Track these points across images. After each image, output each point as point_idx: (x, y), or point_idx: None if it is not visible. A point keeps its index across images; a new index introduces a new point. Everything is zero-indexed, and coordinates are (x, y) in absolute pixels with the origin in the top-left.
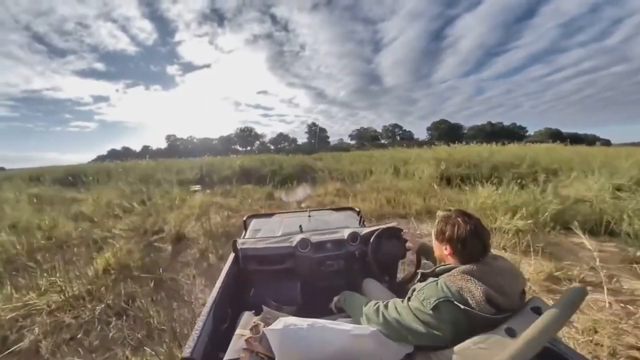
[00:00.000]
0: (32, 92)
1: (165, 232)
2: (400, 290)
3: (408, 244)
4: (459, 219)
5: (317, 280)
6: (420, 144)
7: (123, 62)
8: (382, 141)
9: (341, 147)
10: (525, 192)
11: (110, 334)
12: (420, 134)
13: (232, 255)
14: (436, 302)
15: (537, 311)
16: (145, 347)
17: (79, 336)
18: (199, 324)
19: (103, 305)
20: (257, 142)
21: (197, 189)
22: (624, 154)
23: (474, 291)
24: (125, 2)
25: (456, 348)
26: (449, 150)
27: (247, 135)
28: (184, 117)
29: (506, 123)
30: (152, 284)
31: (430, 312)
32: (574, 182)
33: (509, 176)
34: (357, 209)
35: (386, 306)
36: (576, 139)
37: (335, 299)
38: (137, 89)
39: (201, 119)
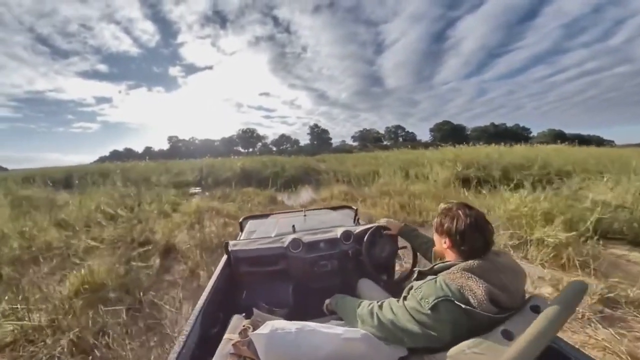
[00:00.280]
0: (35, 93)
1: (153, 244)
2: (397, 289)
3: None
4: (460, 211)
5: (311, 281)
6: (425, 145)
7: (126, 64)
8: (385, 143)
9: (344, 149)
10: (558, 197)
11: None
12: (423, 135)
13: (224, 258)
14: (435, 301)
15: (536, 310)
16: None
17: None
18: (187, 328)
19: (67, 340)
20: (259, 144)
21: (196, 191)
22: (635, 155)
23: (476, 290)
24: (128, 4)
25: (450, 352)
26: (456, 152)
27: (249, 137)
28: (186, 119)
29: (509, 124)
30: (128, 313)
31: (428, 312)
32: (598, 185)
33: (530, 179)
34: (354, 208)
35: (381, 307)
36: (580, 140)
37: (327, 302)
38: (140, 91)
39: (203, 121)
